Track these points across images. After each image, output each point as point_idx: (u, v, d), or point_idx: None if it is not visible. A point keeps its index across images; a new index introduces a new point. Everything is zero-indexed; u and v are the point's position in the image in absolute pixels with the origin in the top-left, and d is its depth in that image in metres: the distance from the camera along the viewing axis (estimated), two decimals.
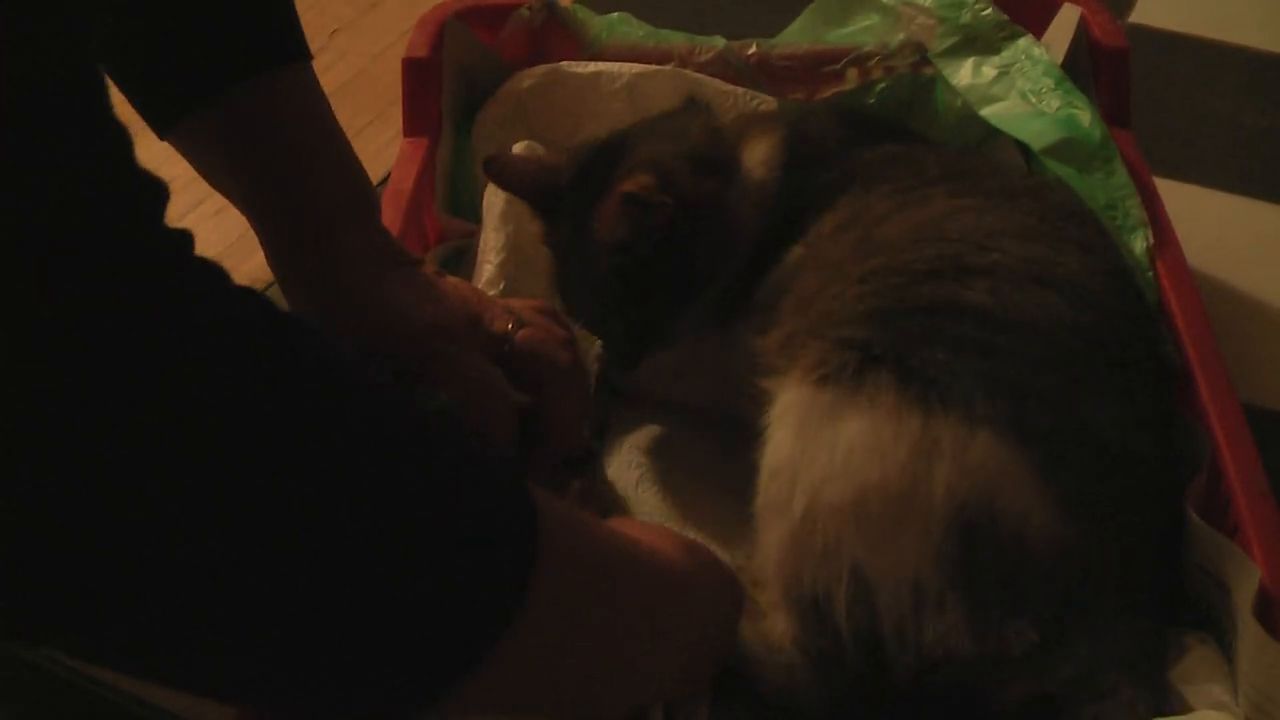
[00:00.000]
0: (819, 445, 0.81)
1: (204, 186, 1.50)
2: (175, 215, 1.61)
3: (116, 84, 0.84)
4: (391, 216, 1.13)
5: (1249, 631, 0.77)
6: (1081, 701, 0.78)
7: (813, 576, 0.80)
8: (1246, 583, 0.79)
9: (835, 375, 0.82)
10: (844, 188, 0.98)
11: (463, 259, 1.20)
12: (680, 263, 0.96)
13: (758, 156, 1.01)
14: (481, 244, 1.13)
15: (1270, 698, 0.76)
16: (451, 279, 0.96)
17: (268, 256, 0.89)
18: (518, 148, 1.15)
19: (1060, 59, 1.22)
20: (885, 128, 1.11)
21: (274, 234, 0.87)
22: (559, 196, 1.02)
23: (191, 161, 0.88)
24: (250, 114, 0.84)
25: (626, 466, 1.04)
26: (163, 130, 0.86)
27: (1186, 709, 0.78)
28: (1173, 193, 1.19)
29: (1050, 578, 0.78)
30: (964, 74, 1.19)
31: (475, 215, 1.25)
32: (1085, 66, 1.22)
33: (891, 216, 0.93)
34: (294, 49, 0.86)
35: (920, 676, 0.78)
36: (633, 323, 0.99)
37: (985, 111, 1.16)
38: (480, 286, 1.07)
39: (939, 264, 0.86)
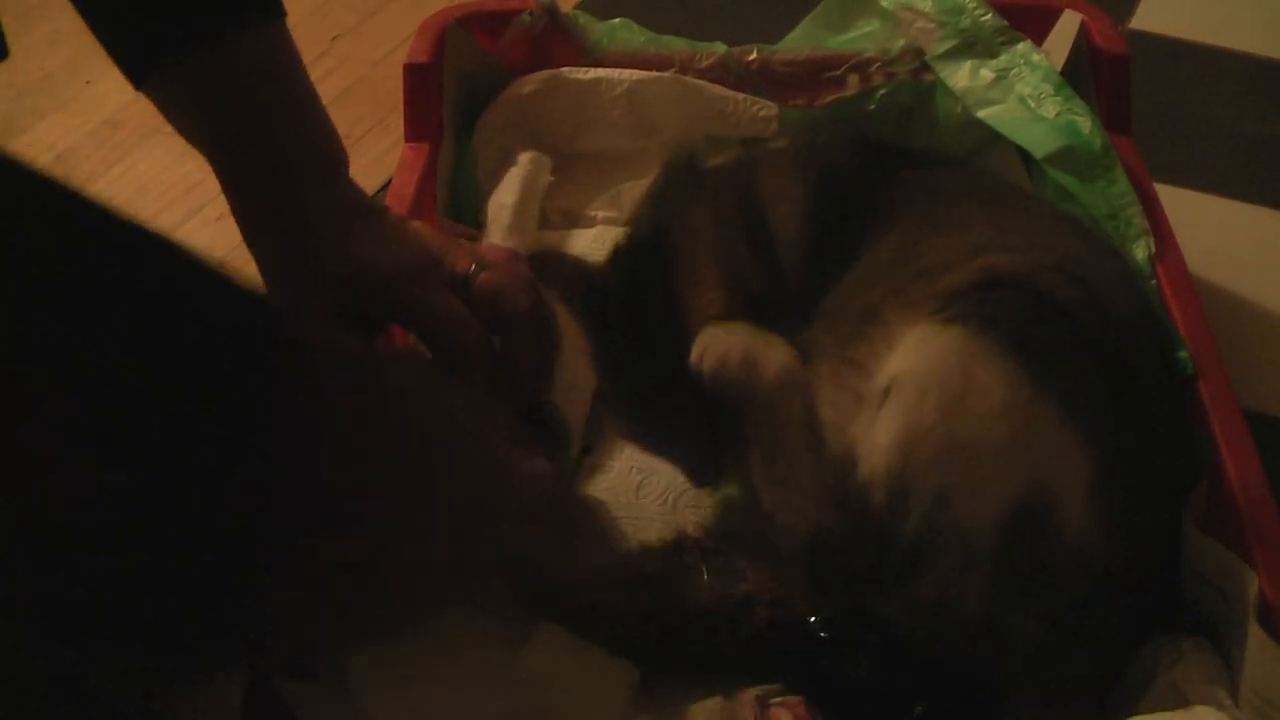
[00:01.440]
0: (950, 377, 0.82)
1: (206, 192, 1.51)
2: (176, 220, 1.62)
3: (95, 34, 0.87)
4: None
5: (1252, 636, 0.78)
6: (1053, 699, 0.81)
7: (912, 472, 0.81)
8: (1246, 589, 0.79)
9: (962, 319, 0.83)
10: (875, 224, 0.98)
11: None
12: None
13: (785, 219, 1.01)
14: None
15: (1271, 702, 0.76)
16: (415, 223, 0.96)
17: (234, 210, 0.91)
18: (524, 158, 1.15)
19: (1060, 66, 1.23)
20: (898, 150, 1.11)
21: (242, 189, 0.90)
22: (605, 308, 1.00)
23: (165, 113, 0.89)
24: (222, 71, 0.85)
25: (626, 473, 1.04)
26: (139, 81, 0.87)
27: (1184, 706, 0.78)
28: (1173, 199, 1.19)
29: (1071, 582, 0.80)
30: (961, 77, 1.19)
31: (476, 222, 1.25)
32: (1085, 74, 1.22)
33: (934, 240, 0.93)
34: (268, 7, 0.87)
35: (921, 623, 0.80)
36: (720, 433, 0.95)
37: (982, 114, 1.16)
38: None
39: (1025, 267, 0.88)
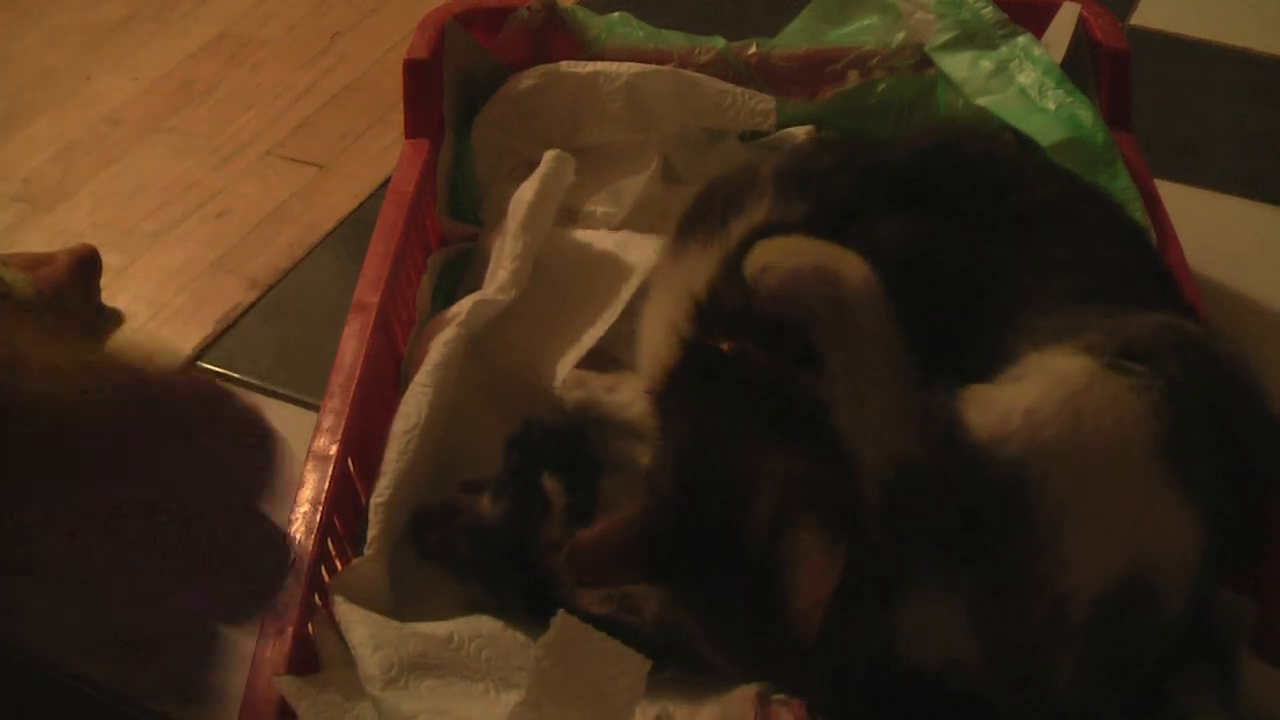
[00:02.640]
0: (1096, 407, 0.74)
1: (207, 189, 1.52)
2: (175, 218, 1.62)
3: None
4: (394, 218, 1.13)
5: (1251, 666, 0.79)
6: None
7: (1033, 454, 0.73)
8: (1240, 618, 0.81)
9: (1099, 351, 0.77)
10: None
11: (468, 262, 1.21)
12: None
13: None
14: (498, 248, 1.13)
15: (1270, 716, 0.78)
16: None
17: None
18: (548, 156, 1.13)
19: (1059, 59, 1.22)
20: (903, 179, 0.94)
21: None
22: (666, 556, 0.81)
23: None
24: None
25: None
26: None
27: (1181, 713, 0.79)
28: (1174, 195, 1.19)
29: (1150, 653, 0.77)
30: (961, 68, 1.19)
31: (476, 218, 1.25)
32: (1084, 68, 1.22)
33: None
34: None
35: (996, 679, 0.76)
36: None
37: (982, 101, 1.16)
38: (492, 291, 1.07)
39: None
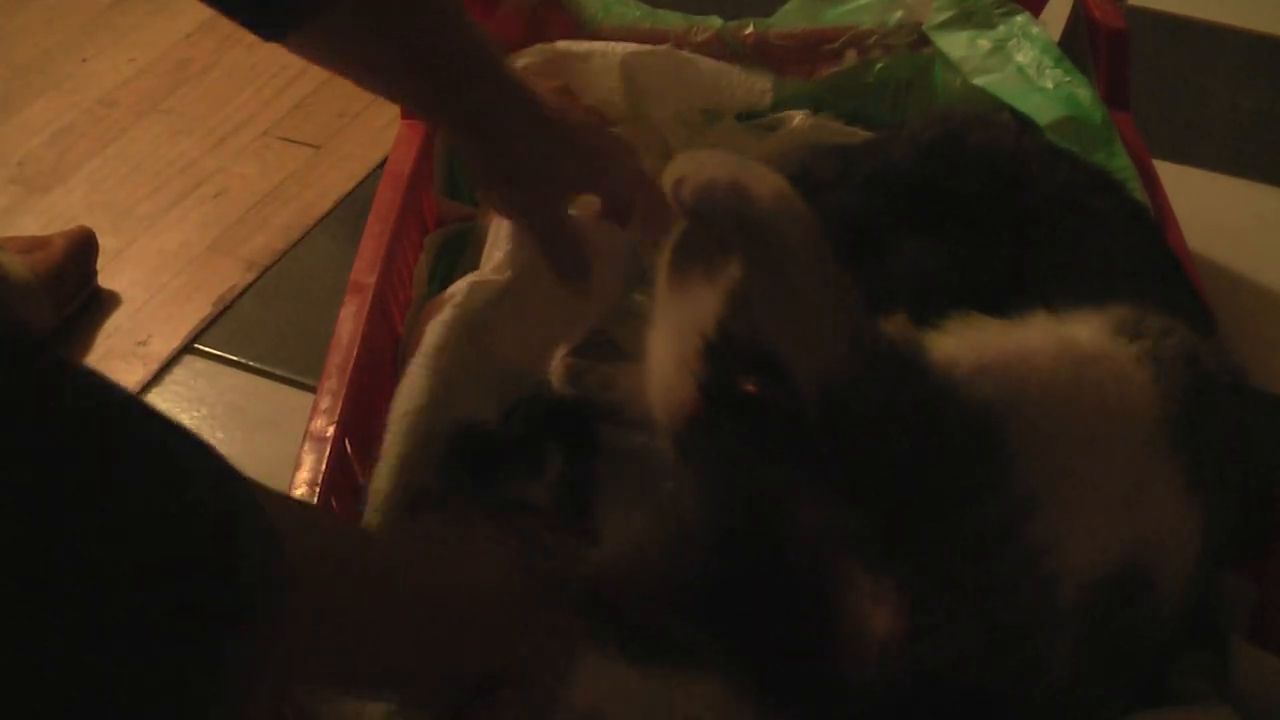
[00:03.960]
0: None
1: (203, 170, 1.51)
2: (171, 199, 1.61)
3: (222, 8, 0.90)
4: (390, 199, 1.13)
5: (1242, 650, 0.79)
6: None
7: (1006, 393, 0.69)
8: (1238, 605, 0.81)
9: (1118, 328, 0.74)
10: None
11: (465, 242, 1.20)
12: None
13: None
14: (494, 228, 1.12)
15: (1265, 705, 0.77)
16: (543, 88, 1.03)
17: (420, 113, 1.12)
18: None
19: (1056, 40, 1.22)
20: (910, 185, 0.93)
21: (414, 98, 1.04)
22: (698, 593, 0.80)
23: (315, 56, 0.98)
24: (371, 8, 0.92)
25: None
26: (280, 35, 0.91)
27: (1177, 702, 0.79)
28: (1172, 176, 1.19)
29: (1133, 648, 0.74)
30: (958, 46, 1.19)
31: (472, 198, 1.25)
32: (1081, 47, 1.22)
33: None
34: None
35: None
36: None
37: (980, 81, 1.16)
38: (488, 272, 1.06)
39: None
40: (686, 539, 0.78)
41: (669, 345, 0.88)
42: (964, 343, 0.70)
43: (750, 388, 0.77)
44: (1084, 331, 0.72)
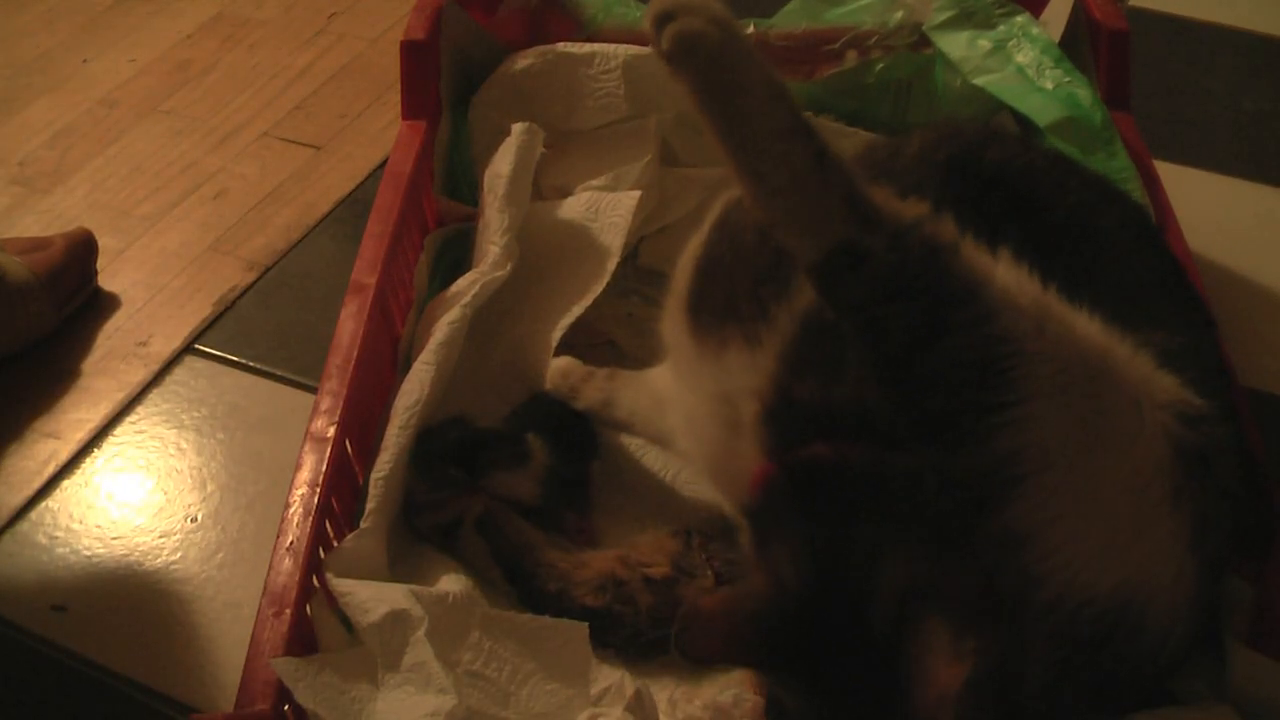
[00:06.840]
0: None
1: (204, 170, 1.51)
2: (173, 199, 1.61)
3: None
4: (391, 199, 1.13)
5: (1239, 653, 0.79)
6: None
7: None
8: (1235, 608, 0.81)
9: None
10: None
11: (465, 242, 1.20)
12: None
13: None
14: (482, 225, 1.13)
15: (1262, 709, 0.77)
16: None
17: None
18: (517, 129, 1.14)
19: (1056, 39, 1.22)
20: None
21: None
22: (783, 645, 0.77)
23: None
24: None
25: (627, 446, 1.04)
26: None
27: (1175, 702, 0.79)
28: (1173, 176, 1.19)
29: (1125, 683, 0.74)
30: (959, 46, 1.19)
31: (473, 198, 1.25)
32: (1081, 48, 1.22)
33: None
34: None
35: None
36: None
37: (980, 81, 1.16)
38: (485, 269, 1.07)
39: None
40: (782, 594, 0.75)
41: (716, 414, 0.85)
42: (1015, 274, 0.68)
43: (823, 450, 0.76)
44: (1133, 369, 0.70)
